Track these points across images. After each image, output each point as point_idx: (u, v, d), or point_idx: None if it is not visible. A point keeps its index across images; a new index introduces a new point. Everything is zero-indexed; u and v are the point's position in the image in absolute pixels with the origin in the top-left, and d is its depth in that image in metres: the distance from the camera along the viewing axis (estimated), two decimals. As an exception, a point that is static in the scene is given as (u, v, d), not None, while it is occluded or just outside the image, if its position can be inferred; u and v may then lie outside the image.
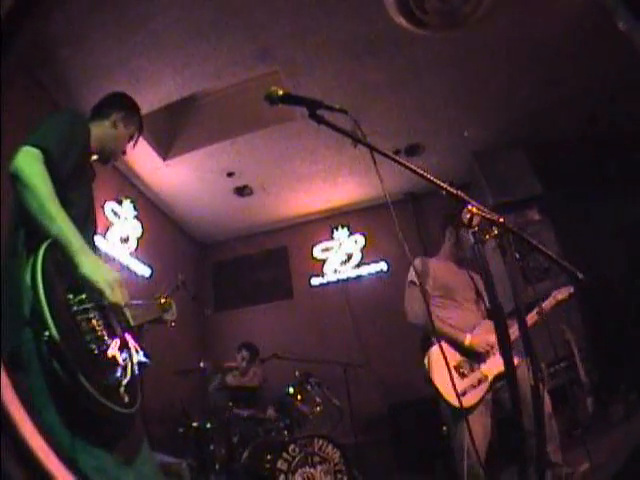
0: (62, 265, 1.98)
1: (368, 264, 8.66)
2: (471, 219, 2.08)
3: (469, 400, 3.79)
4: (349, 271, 8.71)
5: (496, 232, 2.12)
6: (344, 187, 8.29)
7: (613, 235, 6.98)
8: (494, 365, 3.90)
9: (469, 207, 2.06)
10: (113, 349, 2.00)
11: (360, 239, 8.79)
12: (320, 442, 4.92)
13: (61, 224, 1.98)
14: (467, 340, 4.00)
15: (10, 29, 1.56)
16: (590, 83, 6.27)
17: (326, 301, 8.58)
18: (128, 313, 2.29)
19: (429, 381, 4.06)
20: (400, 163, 2.11)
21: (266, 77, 5.58)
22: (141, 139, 2.93)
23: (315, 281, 8.80)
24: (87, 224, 2.33)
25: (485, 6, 4.96)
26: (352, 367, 6.38)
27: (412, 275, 4.79)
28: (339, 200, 8.75)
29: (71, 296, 1.93)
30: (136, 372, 2.12)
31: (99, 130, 2.64)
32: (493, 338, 3.93)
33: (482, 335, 4.02)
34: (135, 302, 2.62)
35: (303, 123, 6.11)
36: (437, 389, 3.93)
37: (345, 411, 5.88)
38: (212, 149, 6.76)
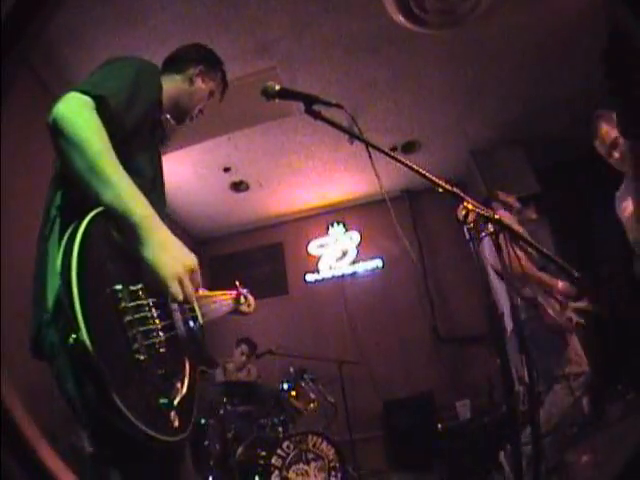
0: (115, 244, 1.51)
1: (363, 261, 8.68)
2: (466, 216, 2.08)
3: None
4: (344, 268, 8.71)
5: (492, 229, 2.12)
6: (340, 183, 8.29)
7: (610, 235, 6.99)
8: None
9: (465, 204, 2.06)
10: (166, 358, 1.54)
11: (355, 236, 8.80)
12: (314, 439, 4.93)
13: (118, 187, 1.48)
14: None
15: (12, 28, 1.52)
16: (589, 82, 6.27)
17: (321, 297, 8.59)
18: (198, 309, 1.89)
19: None
20: (396, 159, 2.11)
21: (263, 73, 5.56)
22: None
23: (310, 277, 8.80)
24: (153, 195, 1.76)
25: (484, 4, 4.96)
26: (347, 364, 6.38)
27: None
28: (335, 196, 8.75)
29: (120, 287, 1.43)
30: (194, 385, 1.68)
31: (171, 85, 2.30)
32: None
33: None
34: (207, 294, 2.39)
35: (300, 119, 6.13)
36: None
37: (340, 408, 5.89)
38: (209, 144, 6.74)
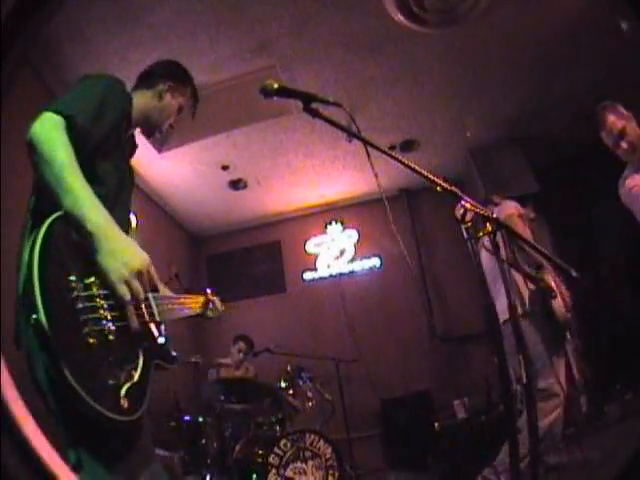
0: (75, 243, 1.71)
1: (361, 259, 8.68)
2: (464, 215, 2.07)
3: None
4: (342, 266, 8.72)
5: (489, 228, 2.12)
6: (338, 181, 8.28)
7: (608, 234, 6.99)
8: None
9: (462, 203, 2.06)
10: (118, 346, 1.69)
11: (353, 234, 8.80)
12: (312, 437, 4.94)
13: (78, 196, 1.69)
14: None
15: (12, 28, 1.54)
16: (588, 81, 6.27)
17: (319, 296, 8.59)
18: (155, 306, 2.06)
19: None
20: (394, 158, 2.10)
21: (263, 71, 5.56)
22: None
23: (308, 276, 8.81)
24: (117, 203, 2.06)
25: (483, 3, 4.96)
26: (344, 362, 6.37)
27: None
28: (333, 195, 8.75)
29: (73, 278, 1.62)
30: (147, 375, 1.85)
31: (142, 100, 2.44)
32: None
33: None
34: (172, 296, 2.50)
35: (298, 117, 6.12)
36: None
37: (337, 406, 5.89)
38: (207, 142, 6.75)
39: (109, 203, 1.85)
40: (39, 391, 1.59)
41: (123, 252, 1.75)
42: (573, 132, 7.11)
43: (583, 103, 6.56)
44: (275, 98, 2.14)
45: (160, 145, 6.66)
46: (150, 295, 2.01)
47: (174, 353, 2.10)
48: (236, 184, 7.89)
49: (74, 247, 1.71)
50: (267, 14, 4.94)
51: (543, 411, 3.89)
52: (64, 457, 1.51)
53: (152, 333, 2.00)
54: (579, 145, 7.15)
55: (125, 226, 2.07)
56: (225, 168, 7.43)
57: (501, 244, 2.30)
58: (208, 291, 3.04)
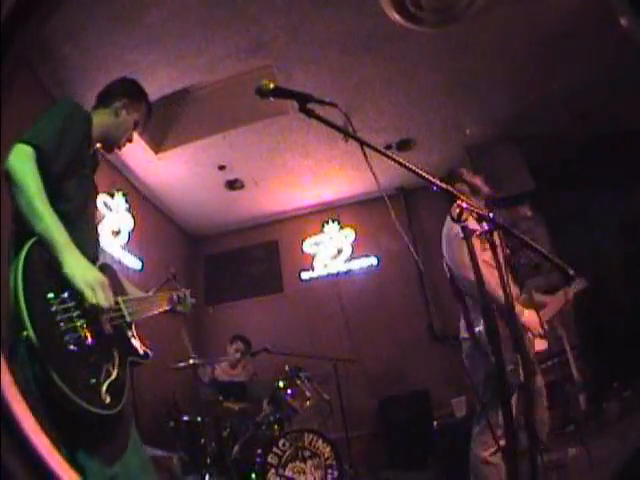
0: (49, 263, 1.98)
1: (358, 259, 8.66)
2: (461, 214, 2.07)
3: None
4: (339, 265, 8.70)
5: (486, 227, 2.12)
6: (335, 181, 8.28)
7: (605, 232, 6.99)
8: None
9: (459, 202, 2.06)
10: (95, 348, 1.98)
11: (350, 233, 8.78)
12: (310, 437, 4.94)
13: (47, 221, 1.98)
14: (524, 316, 3.52)
15: (11, 28, 1.55)
16: (586, 80, 6.27)
17: (316, 295, 8.59)
18: (125, 309, 2.29)
19: None
20: (390, 157, 2.10)
21: (259, 71, 5.57)
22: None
23: (305, 275, 8.80)
24: (83, 216, 2.34)
25: (480, 1, 4.95)
26: (342, 362, 6.37)
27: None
28: (330, 194, 8.74)
29: (51, 295, 1.91)
30: (124, 371, 2.12)
31: (101, 119, 2.61)
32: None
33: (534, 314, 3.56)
34: (137, 297, 2.62)
35: (295, 117, 6.11)
36: None
37: (335, 405, 5.88)
38: (204, 142, 6.75)
39: (76, 217, 2.22)
40: (30, 395, 1.69)
41: (84, 268, 2.04)
42: (572, 130, 7.12)
43: (581, 101, 6.61)
44: (271, 98, 2.15)
45: (157, 146, 6.66)
46: (120, 299, 2.29)
47: (146, 349, 2.33)
48: (233, 184, 7.89)
49: (48, 267, 1.97)
50: (263, 14, 4.94)
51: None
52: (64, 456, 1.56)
53: (125, 334, 2.27)
54: (578, 143, 7.17)
55: (93, 235, 2.46)
56: (222, 168, 7.43)
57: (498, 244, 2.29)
58: (177, 287, 3.20)
